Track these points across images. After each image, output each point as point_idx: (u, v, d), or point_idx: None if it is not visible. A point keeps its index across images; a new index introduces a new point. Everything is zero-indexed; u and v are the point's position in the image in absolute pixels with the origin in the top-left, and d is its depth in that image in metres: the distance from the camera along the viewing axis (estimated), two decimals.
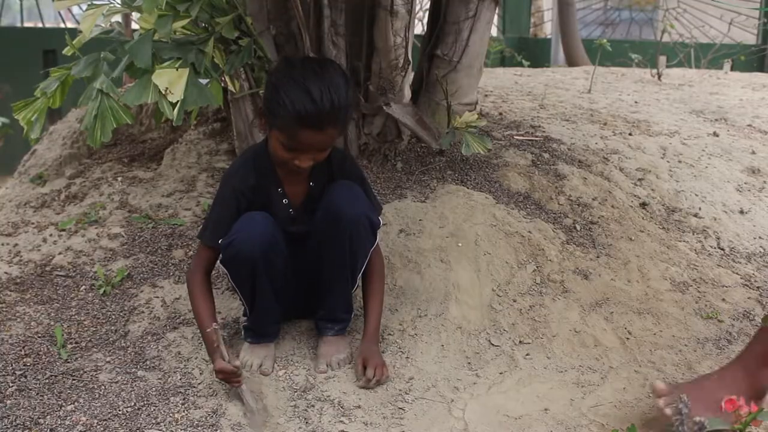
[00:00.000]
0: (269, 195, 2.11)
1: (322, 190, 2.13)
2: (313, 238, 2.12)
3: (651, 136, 3.34)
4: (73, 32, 3.14)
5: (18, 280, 2.55)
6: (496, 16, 5.05)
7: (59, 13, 9.06)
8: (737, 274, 2.55)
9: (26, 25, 8.64)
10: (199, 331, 2.30)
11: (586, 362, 2.16)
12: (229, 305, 2.40)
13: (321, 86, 1.87)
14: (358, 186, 2.11)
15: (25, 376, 2.12)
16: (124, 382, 2.11)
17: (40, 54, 6.90)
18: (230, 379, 1.98)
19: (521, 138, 3.20)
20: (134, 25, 4.21)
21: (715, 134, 3.45)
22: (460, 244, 2.48)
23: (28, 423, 1.96)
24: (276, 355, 2.19)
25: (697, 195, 2.88)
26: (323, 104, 1.86)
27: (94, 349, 2.24)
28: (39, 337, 2.28)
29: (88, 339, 2.28)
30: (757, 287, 2.49)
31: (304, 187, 2.14)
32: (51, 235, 2.77)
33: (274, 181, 2.11)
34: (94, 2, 2.83)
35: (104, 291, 2.47)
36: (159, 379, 2.13)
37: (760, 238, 2.75)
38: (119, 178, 3.10)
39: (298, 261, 2.15)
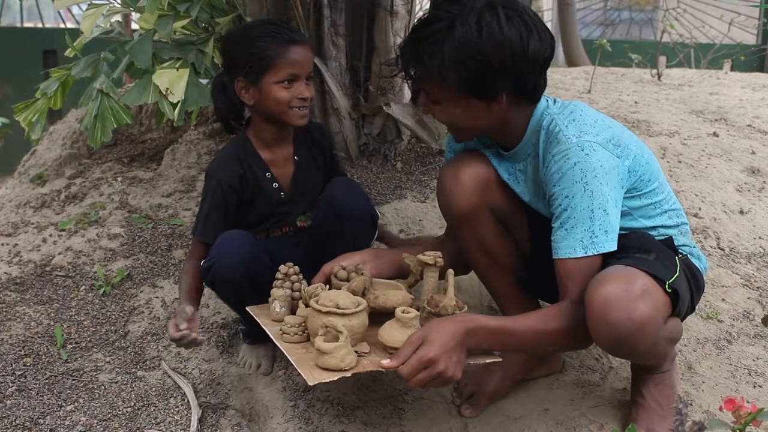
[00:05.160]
0: (258, 182, 2.10)
1: (308, 163, 2.16)
2: (315, 234, 2.12)
3: (651, 137, 3.34)
4: (74, 32, 3.14)
5: (18, 280, 2.55)
6: None
7: (59, 13, 9.06)
8: (737, 274, 2.55)
9: (26, 25, 8.64)
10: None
11: (586, 362, 2.16)
12: None
13: (274, 20, 2.16)
14: (354, 179, 2.14)
15: (25, 376, 2.12)
16: (124, 382, 2.11)
17: (40, 54, 6.90)
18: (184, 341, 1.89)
19: None
20: (134, 25, 4.22)
21: (715, 134, 3.45)
22: None
23: (28, 423, 1.96)
24: (276, 355, 2.19)
25: (697, 195, 2.88)
26: (288, 25, 2.11)
27: (94, 349, 2.24)
28: (39, 337, 2.28)
29: (88, 339, 2.28)
30: (757, 287, 2.50)
31: (291, 164, 2.15)
32: (51, 235, 2.77)
33: (261, 167, 2.11)
34: (94, 2, 2.84)
35: (104, 291, 2.47)
36: (159, 379, 2.13)
37: (760, 238, 2.75)
38: (119, 178, 3.10)
39: (295, 261, 2.14)
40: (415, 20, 2.88)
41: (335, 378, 1.63)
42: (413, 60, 1.77)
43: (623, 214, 1.78)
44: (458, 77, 1.69)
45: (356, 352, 1.70)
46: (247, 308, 1.98)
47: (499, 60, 1.67)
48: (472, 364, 1.74)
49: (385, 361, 1.64)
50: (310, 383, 1.62)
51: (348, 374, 1.64)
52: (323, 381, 1.63)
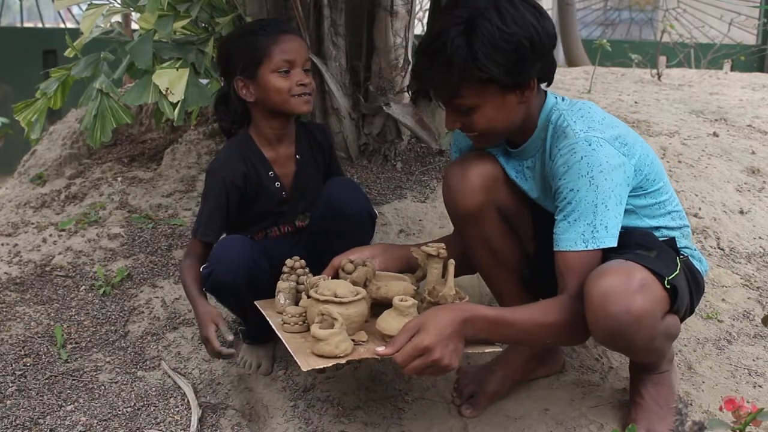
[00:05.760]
0: (261, 180, 2.10)
1: (309, 163, 2.16)
2: (313, 233, 2.12)
3: (651, 137, 3.34)
4: (74, 32, 3.14)
5: (18, 280, 2.55)
6: None
7: (59, 13, 9.06)
8: (737, 274, 2.55)
9: (26, 25, 8.64)
10: (198, 332, 2.30)
11: (586, 362, 2.16)
12: None
13: (264, 18, 2.23)
14: (353, 179, 2.13)
15: (25, 376, 2.12)
16: (124, 382, 2.11)
17: (40, 54, 6.90)
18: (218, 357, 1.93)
19: None
20: (134, 25, 4.22)
21: (715, 134, 3.45)
22: None
23: (28, 423, 1.96)
24: (276, 355, 2.19)
25: (697, 195, 2.88)
26: (280, 19, 2.17)
27: (94, 349, 2.24)
28: (39, 337, 2.28)
29: (88, 339, 2.28)
30: (757, 287, 2.49)
31: (293, 164, 2.15)
32: (51, 235, 2.77)
33: (265, 166, 2.11)
34: (94, 2, 2.84)
35: (104, 291, 2.47)
36: (159, 379, 2.13)
37: (760, 238, 2.75)
38: (119, 178, 3.10)
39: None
40: (415, 21, 2.89)
41: (329, 365, 1.63)
42: (442, 71, 1.73)
43: (629, 213, 1.79)
44: (498, 68, 1.69)
45: (353, 340, 1.70)
46: (255, 302, 1.97)
47: (530, 41, 1.70)
48: (471, 353, 1.73)
49: (380, 349, 1.63)
50: (304, 369, 1.63)
51: (342, 361, 1.64)
52: (317, 367, 1.63)
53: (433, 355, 1.57)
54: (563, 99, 1.86)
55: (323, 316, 1.69)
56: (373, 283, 1.84)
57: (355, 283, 1.81)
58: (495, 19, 1.68)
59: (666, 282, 1.67)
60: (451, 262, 1.79)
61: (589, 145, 1.71)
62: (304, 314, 1.80)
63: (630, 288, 1.60)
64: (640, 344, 1.69)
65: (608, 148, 1.72)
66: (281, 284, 1.92)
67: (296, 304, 1.90)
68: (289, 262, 1.97)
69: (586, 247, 1.69)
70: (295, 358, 1.66)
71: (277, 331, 1.81)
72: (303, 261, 1.98)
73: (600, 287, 1.61)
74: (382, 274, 1.91)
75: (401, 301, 1.72)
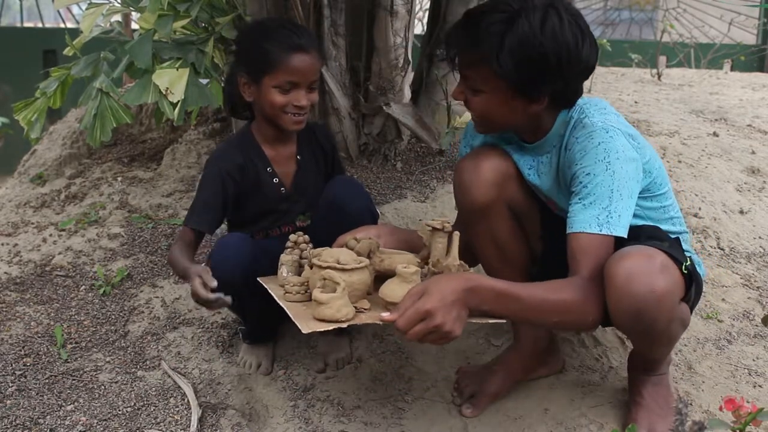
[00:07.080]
0: (258, 176, 2.10)
1: (310, 163, 2.15)
2: (315, 232, 2.12)
3: (651, 136, 3.34)
4: (74, 32, 3.14)
5: (18, 280, 2.55)
6: None
7: (59, 13, 9.06)
8: (737, 274, 2.55)
9: (26, 25, 8.64)
10: (198, 332, 2.30)
11: (586, 362, 2.16)
12: None
13: (290, 22, 2.16)
14: (354, 178, 2.12)
15: (25, 376, 2.12)
16: (124, 382, 2.11)
17: (40, 54, 6.90)
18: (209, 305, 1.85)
19: None
20: (134, 25, 4.22)
21: (715, 134, 3.45)
22: None
23: (28, 423, 1.96)
24: (276, 355, 2.19)
25: (696, 195, 2.88)
26: (301, 30, 2.08)
27: (94, 349, 2.24)
28: (39, 337, 2.28)
29: (88, 339, 2.28)
30: (757, 287, 2.49)
31: (293, 163, 2.15)
32: (51, 235, 2.77)
33: (263, 162, 2.11)
34: (94, 1, 2.84)
35: (104, 291, 2.47)
36: (159, 379, 2.13)
37: (760, 238, 2.75)
38: (119, 178, 3.10)
39: None
40: (415, 21, 2.89)
41: (330, 328, 1.62)
42: (468, 45, 1.75)
43: (635, 215, 1.79)
44: (514, 70, 1.69)
45: (356, 307, 1.70)
46: (258, 279, 1.96)
47: (557, 59, 1.69)
48: (474, 322, 1.70)
49: (385, 314, 1.60)
50: (304, 331, 1.62)
51: (344, 325, 1.64)
52: (318, 330, 1.62)
53: (435, 320, 1.53)
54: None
55: (325, 281, 1.68)
56: (377, 256, 1.84)
57: (358, 254, 1.81)
58: (535, 25, 1.68)
59: (684, 267, 1.68)
60: (456, 234, 1.78)
61: (607, 132, 1.73)
62: (306, 284, 1.80)
63: (653, 269, 1.61)
64: (660, 327, 1.68)
65: (624, 139, 1.75)
66: (284, 257, 1.91)
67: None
68: (292, 237, 1.97)
69: (600, 230, 1.68)
70: (296, 323, 1.65)
71: (278, 301, 1.79)
72: (307, 236, 1.97)
73: (623, 268, 1.61)
74: (387, 250, 1.91)
75: (404, 268, 1.71)
